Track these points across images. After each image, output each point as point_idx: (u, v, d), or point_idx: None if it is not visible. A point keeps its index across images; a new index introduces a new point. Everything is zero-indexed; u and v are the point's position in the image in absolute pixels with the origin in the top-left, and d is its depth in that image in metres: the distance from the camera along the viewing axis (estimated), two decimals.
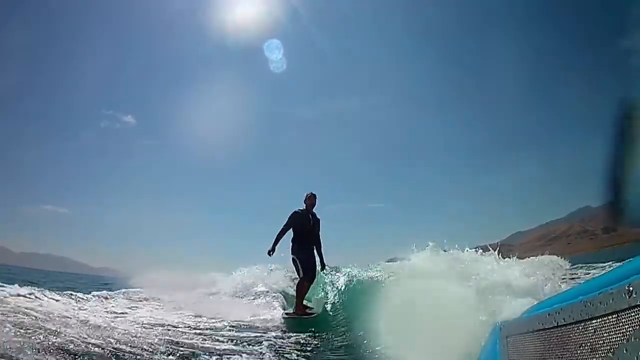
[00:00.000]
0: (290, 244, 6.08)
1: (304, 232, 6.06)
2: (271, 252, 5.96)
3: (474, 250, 5.67)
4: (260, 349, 4.17)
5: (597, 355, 0.75)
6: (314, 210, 6.27)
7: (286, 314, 6.20)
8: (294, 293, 6.51)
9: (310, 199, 6.22)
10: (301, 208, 6.19)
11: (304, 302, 6.12)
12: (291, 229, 6.09)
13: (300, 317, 5.85)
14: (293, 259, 6.02)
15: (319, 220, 6.28)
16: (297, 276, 6.12)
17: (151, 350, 3.77)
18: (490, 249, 5.42)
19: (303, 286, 5.99)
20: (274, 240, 5.97)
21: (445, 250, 5.79)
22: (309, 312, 5.98)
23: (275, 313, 6.62)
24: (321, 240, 6.28)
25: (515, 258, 5.58)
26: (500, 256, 5.37)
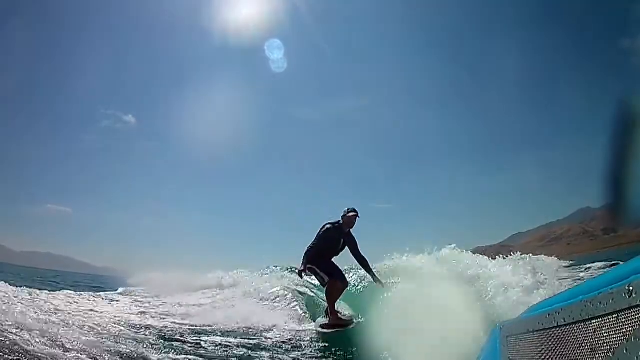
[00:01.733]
0: (306, 251, 4.99)
1: (329, 251, 4.98)
2: (302, 273, 4.99)
3: (470, 251, 5.69)
4: None
5: (597, 355, 0.75)
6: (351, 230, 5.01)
7: (321, 326, 5.00)
8: (318, 299, 5.66)
9: (351, 218, 4.95)
10: (334, 221, 5.00)
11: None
12: (316, 237, 5.03)
13: (336, 328, 4.83)
14: (311, 269, 4.95)
15: (354, 242, 5.03)
16: (322, 284, 5.04)
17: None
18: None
19: (335, 289, 4.92)
20: (303, 259, 4.94)
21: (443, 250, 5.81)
22: (345, 320, 4.96)
23: (304, 323, 5.63)
24: (365, 258, 5.05)
25: (514, 259, 5.61)
26: (500, 257, 5.39)
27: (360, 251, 5.02)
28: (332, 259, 5.01)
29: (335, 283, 4.88)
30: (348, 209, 4.97)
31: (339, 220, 4.97)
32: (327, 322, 4.93)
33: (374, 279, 4.92)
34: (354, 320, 4.96)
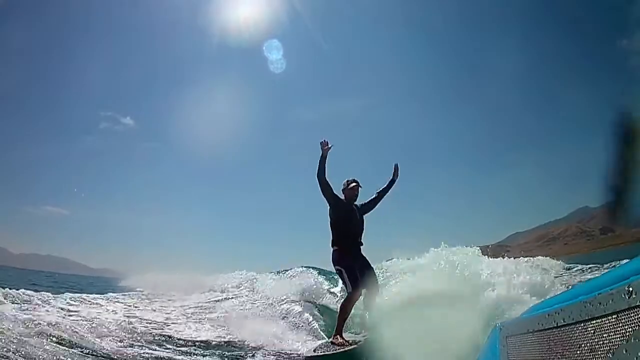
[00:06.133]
0: (331, 247, 4.30)
1: (350, 229, 4.32)
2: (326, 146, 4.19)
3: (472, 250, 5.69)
4: None
5: (597, 356, 0.75)
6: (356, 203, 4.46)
7: (314, 350, 4.11)
8: (334, 308, 4.98)
9: (351, 189, 4.39)
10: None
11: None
12: (330, 225, 4.33)
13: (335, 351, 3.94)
14: (337, 270, 4.26)
15: (365, 205, 4.52)
16: (345, 291, 4.30)
17: None
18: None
19: (350, 304, 4.14)
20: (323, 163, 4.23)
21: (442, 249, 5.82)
22: (349, 344, 3.95)
23: (305, 342, 4.79)
24: (382, 194, 4.59)
25: (512, 259, 5.64)
26: (500, 257, 5.41)
27: (377, 199, 4.57)
28: (358, 242, 4.40)
29: (353, 297, 4.12)
30: (348, 181, 4.43)
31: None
32: (326, 343, 4.18)
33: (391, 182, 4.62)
34: (357, 343, 4.03)
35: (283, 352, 4.46)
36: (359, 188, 4.42)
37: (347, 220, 4.29)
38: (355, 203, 4.44)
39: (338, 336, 4.03)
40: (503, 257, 5.61)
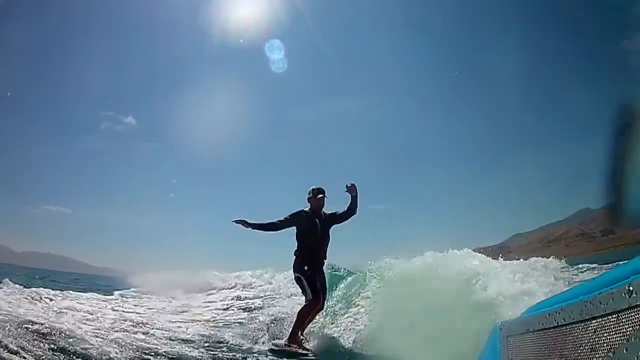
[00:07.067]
0: (293, 257, 4.48)
1: (311, 242, 4.41)
2: (240, 222, 4.24)
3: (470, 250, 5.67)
4: None
5: (597, 355, 0.75)
6: (323, 211, 4.50)
7: (274, 345, 4.24)
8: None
9: (318, 200, 4.42)
10: (306, 209, 4.47)
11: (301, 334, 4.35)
12: (295, 237, 4.47)
13: (290, 349, 4.10)
14: (297, 278, 4.42)
15: (336, 215, 4.54)
16: (305, 298, 4.38)
17: None
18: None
19: (308, 312, 4.28)
20: (258, 223, 4.33)
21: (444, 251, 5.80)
22: (302, 350, 4.13)
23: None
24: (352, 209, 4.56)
25: (513, 259, 5.62)
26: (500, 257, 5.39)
27: (347, 212, 4.53)
28: (319, 255, 4.48)
29: (313, 306, 4.27)
30: (313, 190, 4.43)
31: (305, 208, 4.46)
32: (282, 343, 4.20)
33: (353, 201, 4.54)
34: (309, 355, 4.13)
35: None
36: (325, 198, 4.46)
37: (306, 234, 4.42)
38: (324, 211, 4.51)
39: (293, 345, 4.11)
40: (504, 258, 5.60)
